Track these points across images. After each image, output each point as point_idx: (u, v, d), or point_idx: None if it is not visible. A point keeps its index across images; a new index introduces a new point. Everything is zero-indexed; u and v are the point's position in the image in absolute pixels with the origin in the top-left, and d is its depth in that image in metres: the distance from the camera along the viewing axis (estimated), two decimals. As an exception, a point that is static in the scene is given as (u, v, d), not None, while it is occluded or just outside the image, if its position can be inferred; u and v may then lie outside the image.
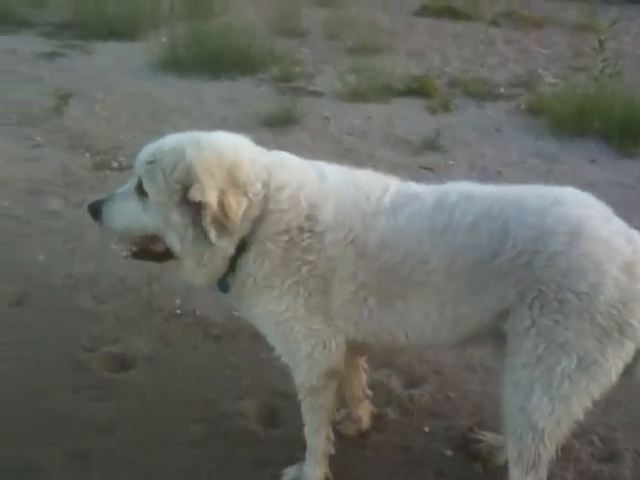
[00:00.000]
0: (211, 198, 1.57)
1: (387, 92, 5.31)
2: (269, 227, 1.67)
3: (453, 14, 8.50)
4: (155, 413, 2.24)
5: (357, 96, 5.22)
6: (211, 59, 5.70)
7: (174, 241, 1.64)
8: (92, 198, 1.82)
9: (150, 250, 1.74)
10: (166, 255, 1.72)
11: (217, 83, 5.49)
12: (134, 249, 1.76)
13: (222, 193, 1.59)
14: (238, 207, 1.61)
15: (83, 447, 2.09)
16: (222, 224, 1.59)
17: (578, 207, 1.63)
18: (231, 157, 1.66)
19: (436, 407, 2.31)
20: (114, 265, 2.98)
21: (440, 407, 2.31)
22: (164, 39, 6.36)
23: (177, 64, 5.72)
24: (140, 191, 1.66)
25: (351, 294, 1.71)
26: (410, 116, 4.90)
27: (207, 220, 1.58)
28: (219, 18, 6.83)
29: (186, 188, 1.58)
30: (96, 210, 1.73)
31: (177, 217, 1.61)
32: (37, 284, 2.89)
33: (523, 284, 1.61)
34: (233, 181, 1.63)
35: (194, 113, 4.75)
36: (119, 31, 6.78)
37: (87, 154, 4.11)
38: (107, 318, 2.69)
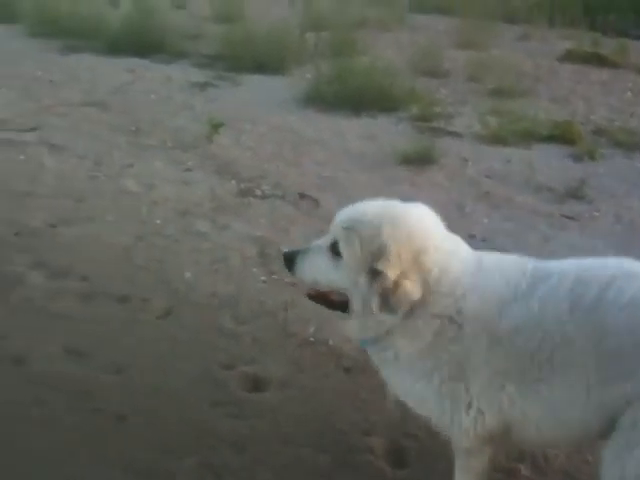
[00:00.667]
0: (391, 274, 1.67)
1: (528, 137, 5.20)
2: (426, 307, 1.72)
3: (600, 61, 8.19)
4: (285, 436, 2.29)
5: (497, 139, 5.15)
6: (352, 96, 5.86)
7: (357, 300, 1.75)
8: (286, 248, 1.92)
9: (327, 298, 1.86)
10: (339, 306, 1.84)
11: (357, 119, 5.63)
12: (312, 293, 1.89)
13: (403, 275, 1.68)
14: (411, 293, 1.68)
15: (216, 461, 2.18)
16: (388, 300, 1.67)
17: None
18: (420, 243, 1.73)
19: (572, 469, 2.20)
20: (254, 288, 3.12)
21: (576, 470, 2.20)
22: (308, 75, 6.61)
23: (320, 99, 5.93)
24: (335, 250, 1.78)
25: (487, 381, 1.71)
26: (552, 162, 4.76)
27: (377, 289, 1.68)
28: (362, 57, 7.01)
29: (376, 259, 1.69)
30: (291, 260, 1.88)
31: (364, 281, 1.71)
32: (182, 300, 3.07)
33: None
34: (417, 267, 1.71)
35: (334, 147, 4.88)
36: (266, 65, 7.13)
37: (233, 181, 4.34)
38: (245, 338, 2.79)
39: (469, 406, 1.74)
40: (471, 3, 9.27)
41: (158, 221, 3.75)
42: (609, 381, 1.59)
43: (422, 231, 1.76)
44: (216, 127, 5.00)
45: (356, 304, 1.75)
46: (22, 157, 4.56)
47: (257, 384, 2.55)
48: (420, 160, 4.63)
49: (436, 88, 6.50)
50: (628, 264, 1.69)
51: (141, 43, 7.74)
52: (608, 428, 1.63)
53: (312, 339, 2.80)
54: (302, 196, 4.16)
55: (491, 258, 1.85)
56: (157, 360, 2.64)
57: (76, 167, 4.44)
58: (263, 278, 3.25)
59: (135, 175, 4.35)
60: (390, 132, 5.35)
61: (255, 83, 6.67)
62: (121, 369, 2.60)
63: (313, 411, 2.42)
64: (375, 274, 1.68)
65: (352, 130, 5.35)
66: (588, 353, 1.59)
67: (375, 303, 1.68)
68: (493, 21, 8.66)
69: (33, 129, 5.06)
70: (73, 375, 2.57)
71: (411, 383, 1.79)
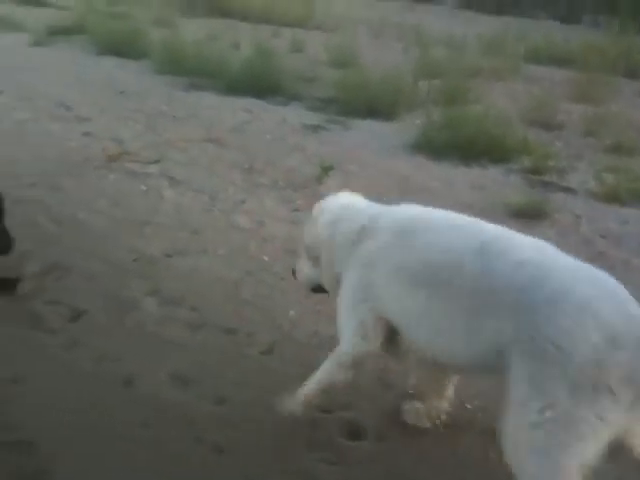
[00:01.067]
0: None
1: (648, 197, 4.97)
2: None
3: None
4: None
5: (613, 197, 4.95)
6: (463, 144, 5.83)
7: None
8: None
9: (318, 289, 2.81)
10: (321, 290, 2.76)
11: (467, 169, 5.59)
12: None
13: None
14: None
15: (309, 504, 2.20)
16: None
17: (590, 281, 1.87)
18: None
19: None
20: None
21: None
22: (418, 121, 6.65)
23: (429, 146, 5.94)
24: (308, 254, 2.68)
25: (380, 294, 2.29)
26: (674, 227, 4.53)
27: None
28: (474, 105, 6.98)
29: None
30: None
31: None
32: (286, 336, 3.14)
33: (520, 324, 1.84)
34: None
35: (442, 195, 4.86)
36: (378, 110, 7.24)
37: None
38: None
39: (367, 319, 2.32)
40: (589, 55, 9.06)
41: (266, 258, 3.87)
42: (481, 315, 1.94)
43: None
44: (326, 170, 5.12)
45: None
46: (144, 188, 4.85)
47: (354, 431, 2.54)
48: (531, 214, 4.53)
49: (549, 141, 6.35)
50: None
51: (259, 84, 8.07)
52: (496, 363, 1.91)
53: (411, 392, 2.77)
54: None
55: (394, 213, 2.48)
56: (258, 394, 2.69)
57: (193, 200, 4.67)
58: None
59: (247, 211, 4.52)
60: (500, 183, 5.28)
61: (366, 127, 6.78)
62: (223, 400, 2.68)
63: (408, 468, 2.38)
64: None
65: (461, 179, 5.32)
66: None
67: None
68: (612, 75, 8.40)
69: (156, 162, 5.37)
70: (178, 401, 2.67)
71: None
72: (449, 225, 2.23)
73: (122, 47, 10.36)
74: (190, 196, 4.74)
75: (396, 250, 2.23)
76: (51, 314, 3.25)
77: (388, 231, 2.31)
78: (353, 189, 4.95)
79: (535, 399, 1.76)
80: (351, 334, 2.38)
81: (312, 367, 2.86)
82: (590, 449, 1.72)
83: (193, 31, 12.08)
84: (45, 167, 5.19)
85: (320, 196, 4.79)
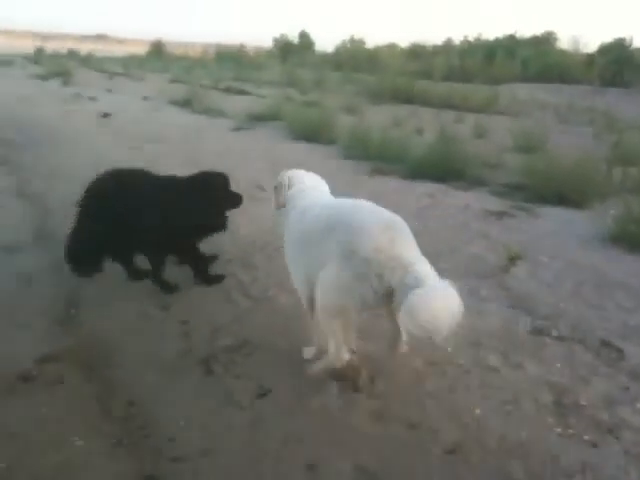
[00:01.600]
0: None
1: None
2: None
3: None
4: None
5: None
6: (666, 239, 5.37)
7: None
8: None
9: None
10: None
11: (670, 265, 5.12)
12: None
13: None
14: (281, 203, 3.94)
15: None
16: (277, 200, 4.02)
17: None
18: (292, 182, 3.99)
19: None
20: (547, 440, 2.91)
21: None
22: (613, 211, 6.25)
23: (626, 239, 5.53)
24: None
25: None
26: None
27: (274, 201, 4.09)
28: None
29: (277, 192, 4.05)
30: None
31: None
32: (470, 437, 2.98)
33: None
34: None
35: (643, 294, 4.48)
36: (567, 198, 6.93)
37: (527, 317, 4.20)
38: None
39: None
40: None
41: (449, 348, 3.77)
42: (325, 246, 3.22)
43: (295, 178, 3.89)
44: (513, 259, 4.95)
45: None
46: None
47: None
48: None
49: None
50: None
51: (442, 169, 8.14)
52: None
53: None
54: (604, 343, 3.85)
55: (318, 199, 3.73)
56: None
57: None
58: (558, 430, 3.03)
59: (430, 298, 4.46)
60: None
61: (554, 216, 6.51)
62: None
63: None
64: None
65: (665, 276, 4.87)
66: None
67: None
68: None
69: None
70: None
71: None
72: (322, 206, 3.52)
73: (313, 133, 11.08)
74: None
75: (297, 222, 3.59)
76: (240, 390, 3.40)
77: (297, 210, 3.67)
78: (542, 281, 4.79)
79: (337, 270, 3.07)
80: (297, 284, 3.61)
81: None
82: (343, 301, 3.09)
83: (378, 117, 12.64)
84: (240, 244, 5.58)
85: (507, 287, 4.67)
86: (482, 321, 4.15)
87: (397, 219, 3.17)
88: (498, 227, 6.09)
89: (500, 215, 6.45)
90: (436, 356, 3.69)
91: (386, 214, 3.20)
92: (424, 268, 3.00)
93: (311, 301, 3.37)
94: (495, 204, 6.92)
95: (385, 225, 3.06)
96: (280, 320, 4.13)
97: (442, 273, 4.99)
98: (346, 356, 3.32)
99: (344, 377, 3.38)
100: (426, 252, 5.43)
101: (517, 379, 3.47)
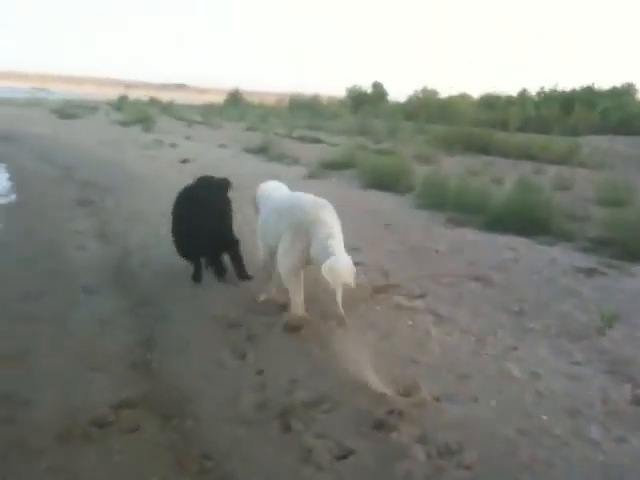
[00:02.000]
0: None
1: None
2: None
3: None
4: None
5: None
6: None
7: None
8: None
9: None
10: None
11: None
12: None
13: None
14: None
15: None
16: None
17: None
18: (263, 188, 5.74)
19: None
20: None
21: None
22: None
23: None
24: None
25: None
26: None
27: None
28: None
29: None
30: None
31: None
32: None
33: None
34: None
35: None
36: (660, 255, 6.53)
37: (628, 384, 3.87)
38: None
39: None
40: None
41: (544, 417, 3.49)
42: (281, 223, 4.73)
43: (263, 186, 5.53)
44: (609, 320, 4.63)
45: None
46: (410, 322, 4.80)
47: None
48: None
49: None
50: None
51: (523, 221, 7.84)
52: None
53: None
54: None
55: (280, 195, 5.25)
56: None
57: (460, 341, 4.49)
58: None
59: (518, 359, 4.19)
60: None
61: (648, 274, 6.11)
62: None
63: None
64: None
65: None
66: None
67: None
68: None
69: (421, 296, 5.34)
70: None
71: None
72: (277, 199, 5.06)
73: (386, 181, 11.00)
74: (457, 336, 4.57)
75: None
76: (319, 449, 3.23)
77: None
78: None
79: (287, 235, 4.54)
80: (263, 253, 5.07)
81: None
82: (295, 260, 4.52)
83: (453, 167, 12.46)
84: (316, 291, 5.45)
85: (603, 350, 4.34)
86: (578, 388, 3.84)
87: (325, 202, 4.63)
88: (588, 285, 5.74)
89: (590, 272, 6.09)
90: (529, 424, 3.42)
91: (318, 199, 4.70)
92: (335, 242, 4.32)
93: (269, 263, 4.96)
94: (583, 260, 6.57)
95: (314, 203, 4.62)
96: (360, 375, 3.94)
97: (531, 333, 4.77)
98: (303, 311, 4.68)
99: (297, 328, 4.54)
100: (510, 310, 5.21)
101: (620, 455, 3.16)
